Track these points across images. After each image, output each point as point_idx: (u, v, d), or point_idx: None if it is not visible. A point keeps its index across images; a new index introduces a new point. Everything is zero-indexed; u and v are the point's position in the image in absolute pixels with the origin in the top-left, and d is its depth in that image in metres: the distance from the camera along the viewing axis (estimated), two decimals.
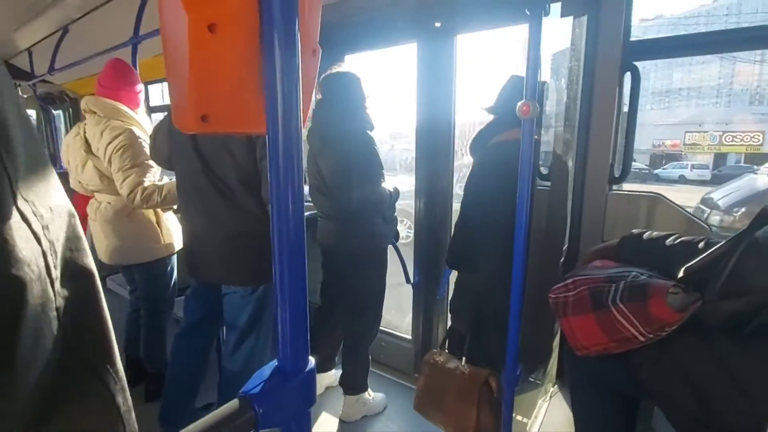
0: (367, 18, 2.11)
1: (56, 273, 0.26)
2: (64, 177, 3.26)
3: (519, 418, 1.74)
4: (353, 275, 1.91)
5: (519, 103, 1.03)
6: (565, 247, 1.69)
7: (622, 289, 1.01)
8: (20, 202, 0.24)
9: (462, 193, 1.59)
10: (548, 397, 1.89)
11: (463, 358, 1.49)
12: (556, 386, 1.88)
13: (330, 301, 2.06)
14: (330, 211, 1.88)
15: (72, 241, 0.28)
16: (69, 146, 1.93)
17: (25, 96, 4.66)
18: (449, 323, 1.95)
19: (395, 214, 2.02)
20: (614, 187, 1.66)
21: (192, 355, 1.75)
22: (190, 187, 1.52)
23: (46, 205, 0.26)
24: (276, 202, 0.39)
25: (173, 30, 0.37)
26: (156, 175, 1.89)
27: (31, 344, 0.23)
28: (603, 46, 1.50)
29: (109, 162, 1.78)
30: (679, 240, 1.10)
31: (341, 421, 1.98)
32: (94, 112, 1.82)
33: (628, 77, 1.52)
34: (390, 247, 2.09)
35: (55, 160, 4.83)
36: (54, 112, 4.70)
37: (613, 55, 1.48)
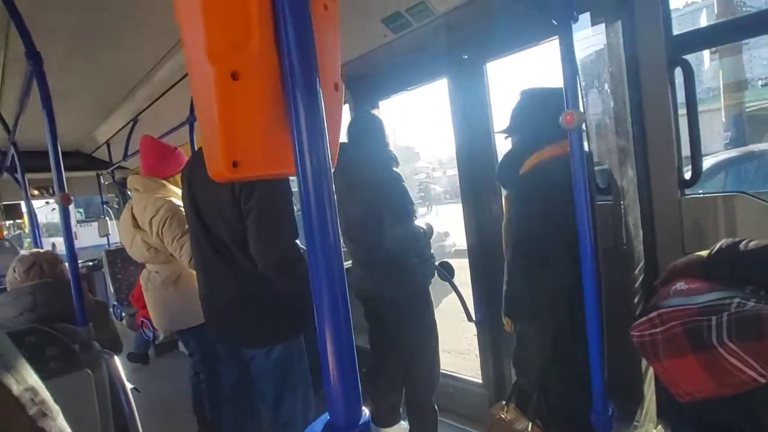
0: (397, 63, 2.19)
1: None
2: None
3: None
4: (399, 322, 1.80)
5: (562, 114, 0.97)
6: (641, 266, 1.52)
7: (727, 323, 0.82)
8: None
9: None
10: None
11: (529, 423, 1.31)
12: (659, 427, 1.61)
13: (380, 350, 1.95)
14: (362, 256, 1.83)
15: None
16: (121, 224, 2.12)
17: (106, 183, 5.30)
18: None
19: (431, 251, 1.93)
20: (687, 192, 1.50)
21: (240, 417, 1.70)
22: (196, 249, 1.52)
23: None
24: (311, 247, 0.38)
25: (200, 81, 0.40)
26: None
27: None
28: (644, 46, 1.42)
29: (159, 236, 1.91)
30: None
31: None
32: (137, 189, 1.99)
33: (678, 73, 1.41)
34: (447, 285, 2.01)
35: None
36: (129, 193, 5.24)
37: (657, 53, 1.39)
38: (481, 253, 2.12)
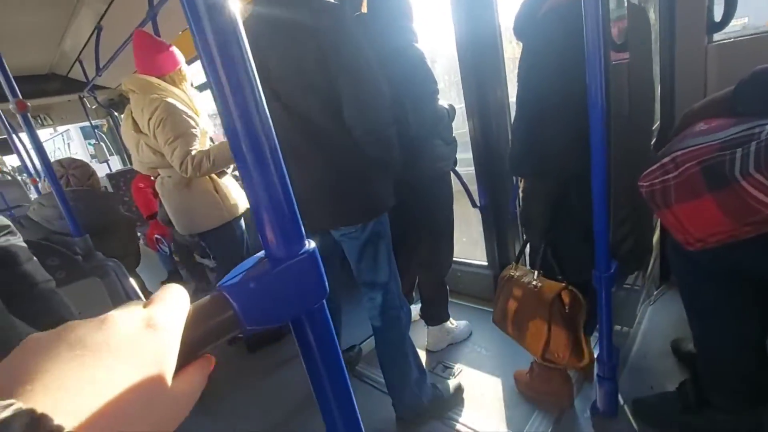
0: None
1: None
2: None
3: (618, 327, 1.57)
4: (421, 205, 1.80)
5: None
6: (655, 126, 1.40)
7: (755, 152, 0.72)
8: None
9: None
10: (652, 301, 1.68)
11: (536, 272, 1.34)
12: (661, 288, 1.66)
13: (400, 236, 1.97)
14: None
15: None
16: (124, 131, 2.01)
17: (93, 107, 5.07)
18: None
19: (454, 135, 1.84)
20: (715, 37, 1.31)
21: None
22: (280, 134, 1.36)
23: None
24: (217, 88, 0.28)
25: None
26: (205, 142, 1.91)
27: None
28: None
29: (155, 137, 1.81)
30: None
31: (428, 351, 1.98)
32: (133, 91, 1.84)
33: None
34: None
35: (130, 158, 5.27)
36: (116, 114, 5.04)
37: None
38: (483, 139, 2.00)
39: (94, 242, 1.71)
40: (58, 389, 0.17)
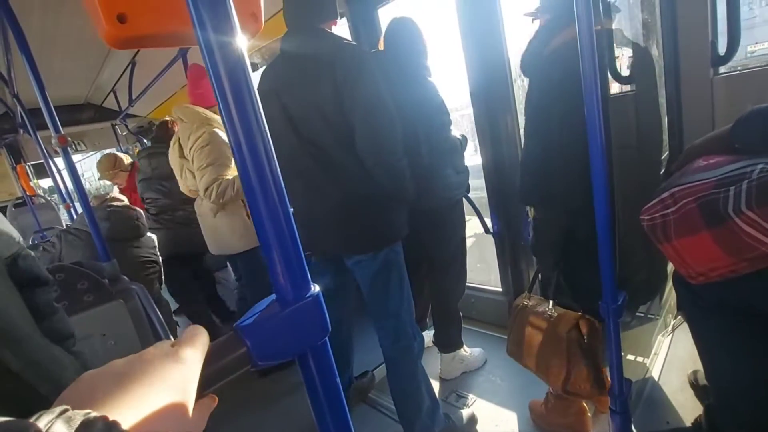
0: None
1: None
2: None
3: (632, 357, 1.54)
4: (432, 232, 1.84)
5: None
6: (664, 156, 1.42)
7: (746, 190, 0.74)
8: None
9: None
10: (670, 331, 1.64)
11: (550, 302, 1.34)
12: (678, 317, 1.62)
13: (413, 263, 1.99)
14: None
15: None
16: (171, 155, 2.15)
17: (123, 134, 5.36)
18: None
19: (465, 164, 1.89)
20: (721, 69, 1.33)
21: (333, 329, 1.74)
22: (290, 162, 1.38)
23: None
24: (230, 126, 0.33)
25: None
26: (235, 172, 2.02)
27: None
28: None
29: (194, 162, 1.94)
30: None
31: (441, 379, 1.97)
32: (182, 119, 1.99)
33: None
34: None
35: None
36: (145, 141, 5.29)
37: None
38: (495, 165, 2.04)
39: (125, 246, 2.04)
40: (105, 408, 0.22)
